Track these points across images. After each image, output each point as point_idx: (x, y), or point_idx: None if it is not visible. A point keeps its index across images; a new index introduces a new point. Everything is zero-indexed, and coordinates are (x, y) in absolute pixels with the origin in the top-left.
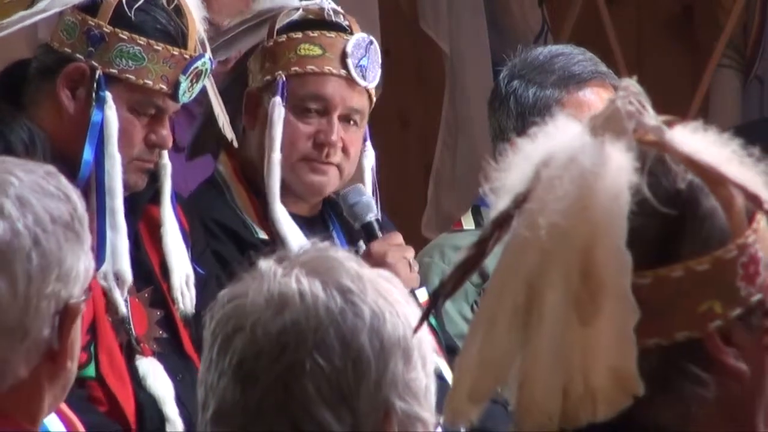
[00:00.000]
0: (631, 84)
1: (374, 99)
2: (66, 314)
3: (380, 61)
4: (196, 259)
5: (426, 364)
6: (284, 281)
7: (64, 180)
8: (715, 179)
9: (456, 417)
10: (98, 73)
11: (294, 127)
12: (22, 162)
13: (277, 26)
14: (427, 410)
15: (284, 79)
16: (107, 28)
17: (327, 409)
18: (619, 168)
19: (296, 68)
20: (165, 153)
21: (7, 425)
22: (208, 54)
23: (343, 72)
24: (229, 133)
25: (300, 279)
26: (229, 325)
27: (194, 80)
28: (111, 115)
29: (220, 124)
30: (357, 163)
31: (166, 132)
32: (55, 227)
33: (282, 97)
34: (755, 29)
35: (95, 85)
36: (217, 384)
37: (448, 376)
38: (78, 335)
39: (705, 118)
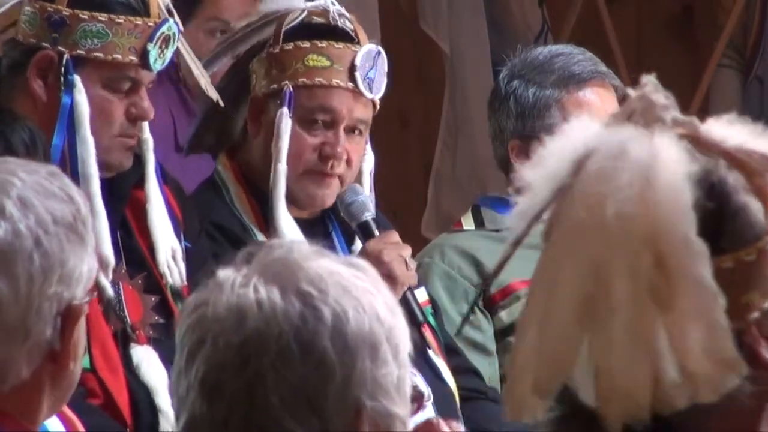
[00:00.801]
0: (651, 80)
1: (378, 107)
2: (68, 315)
3: (386, 70)
4: (189, 242)
5: (398, 352)
6: (242, 292)
7: (67, 180)
8: (753, 170)
9: (521, 412)
10: (65, 57)
11: (300, 139)
12: (24, 162)
13: (283, 30)
14: (400, 405)
15: (291, 89)
16: (67, 11)
17: (293, 418)
18: (675, 160)
19: (304, 80)
20: (146, 127)
21: (8, 425)
22: (174, 18)
23: (350, 85)
24: (213, 94)
25: (258, 288)
26: (194, 336)
27: (163, 46)
28: (80, 98)
29: (203, 86)
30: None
31: (146, 104)
32: (57, 228)
33: (289, 108)
34: (755, 29)
35: (63, 70)
36: (186, 396)
37: (447, 376)
38: (81, 336)
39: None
